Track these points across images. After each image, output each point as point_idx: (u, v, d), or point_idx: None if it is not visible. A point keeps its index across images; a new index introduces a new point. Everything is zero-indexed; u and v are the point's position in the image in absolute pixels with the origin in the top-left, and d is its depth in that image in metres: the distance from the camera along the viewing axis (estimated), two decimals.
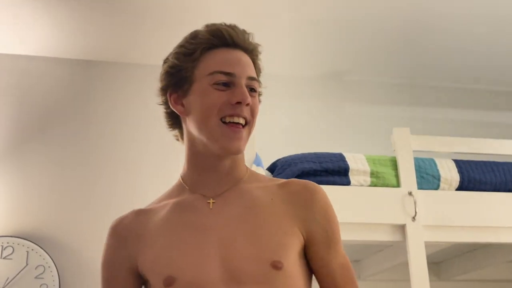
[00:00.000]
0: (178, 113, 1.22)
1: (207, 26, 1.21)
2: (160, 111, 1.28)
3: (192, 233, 1.14)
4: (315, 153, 2.73)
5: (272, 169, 2.74)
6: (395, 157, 2.72)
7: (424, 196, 2.65)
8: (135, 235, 1.17)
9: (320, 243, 1.16)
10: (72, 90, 3.48)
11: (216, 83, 1.16)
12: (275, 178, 1.27)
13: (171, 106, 1.23)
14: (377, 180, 2.68)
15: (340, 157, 2.69)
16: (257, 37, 1.27)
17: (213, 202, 1.17)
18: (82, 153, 3.37)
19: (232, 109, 1.15)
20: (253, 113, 1.18)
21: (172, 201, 1.20)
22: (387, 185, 2.66)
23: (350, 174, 2.65)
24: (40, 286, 2.96)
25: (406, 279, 2.55)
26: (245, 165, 1.25)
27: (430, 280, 2.53)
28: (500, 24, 3.42)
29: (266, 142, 3.33)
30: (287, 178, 2.61)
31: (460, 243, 2.95)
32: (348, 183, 2.65)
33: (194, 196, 1.19)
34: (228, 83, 1.16)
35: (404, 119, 3.73)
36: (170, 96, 1.22)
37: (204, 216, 1.15)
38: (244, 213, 1.15)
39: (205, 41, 1.18)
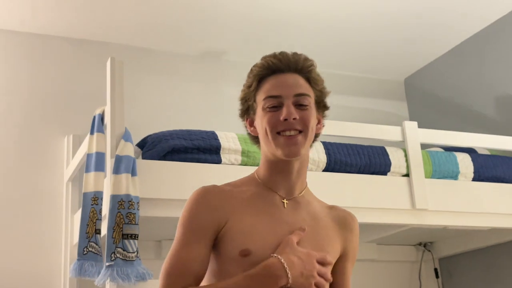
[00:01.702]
0: (252, 134, 1.52)
1: (261, 59, 1.49)
2: None
3: (271, 222, 1.41)
4: (187, 130, 2.69)
5: (141, 145, 2.66)
6: None
7: None
8: (224, 206, 1.40)
9: (349, 259, 1.52)
10: None
11: (268, 107, 1.43)
12: (321, 200, 1.57)
13: (247, 129, 1.53)
14: (247, 159, 2.69)
15: (212, 135, 2.67)
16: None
17: (286, 203, 1.46)
18: None
19: (283, 126, 1.41)
20: (304, 123, 1.42)
21: (252, 189, 1.47)
22: (257, 165, 2.62)
23: (221, 152, 2.64)
24: None
25: None
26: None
27: None
28: (377, 19, 3.56)
29: (137, 117, 3.25)
30: (157, 155, 2.58)
31: None
32: (219, 161, 2.64)
33: (271, 192, 1.46)
34: (277, 104, 1.42)
35: None
36: (246, 121, 1.52)
37: (281, 212, 1.44)
38: (309, 219, 1.46)
39: (257, 74, 1.47)
